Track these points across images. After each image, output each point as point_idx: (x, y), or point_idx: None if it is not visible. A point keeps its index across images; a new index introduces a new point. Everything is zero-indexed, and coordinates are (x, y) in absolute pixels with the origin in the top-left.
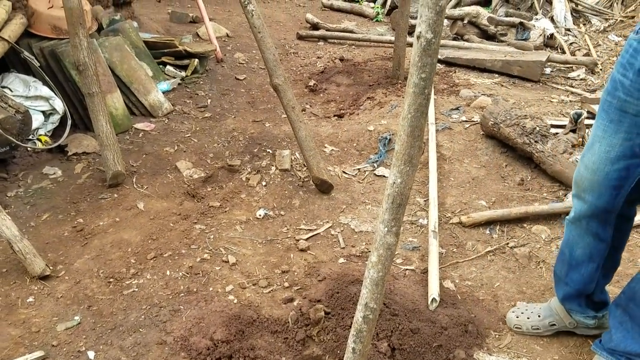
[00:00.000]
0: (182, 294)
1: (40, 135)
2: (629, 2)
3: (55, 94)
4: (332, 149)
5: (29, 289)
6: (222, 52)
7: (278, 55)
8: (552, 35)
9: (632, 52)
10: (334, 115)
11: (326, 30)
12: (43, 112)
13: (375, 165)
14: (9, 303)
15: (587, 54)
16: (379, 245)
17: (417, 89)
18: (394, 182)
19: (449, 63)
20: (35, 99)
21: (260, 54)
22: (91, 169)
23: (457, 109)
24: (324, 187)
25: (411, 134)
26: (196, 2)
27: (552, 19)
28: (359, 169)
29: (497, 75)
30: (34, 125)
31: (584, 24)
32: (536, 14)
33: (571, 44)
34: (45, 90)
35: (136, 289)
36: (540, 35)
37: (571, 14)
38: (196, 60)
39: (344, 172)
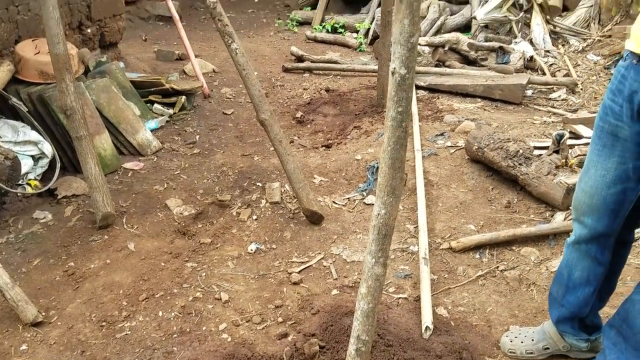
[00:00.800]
0: (175, 335)
1: (30, 179)
2: (605, 21)
3: (44, 137)
4: (321, 180)
5: (22, 336)
6: (209, 88)
7: (264, 90)
8: (531, 57)
9: (620, 78)
10: (322, 146)
11: (311, 62)
12: (32, 156)
13: (365, 193)
14: (2, 352)
15: (567, 75)
16: (368, 276)
17: (395, 122)
18: (379, 214)
19: (432, 89)
20: (24, 144)
21: (246, 90)
22: (81, 211)
23: (442, 134)
24: (314, 218)
25: (392, 165)
26: (182, 39)
27: (531, 42)
28: (348, 198)
29: (479, 100)
30: (24, 169)
31: (563, 45)
32: (515, 37)
33: (551, 65)
34: (34, 135)
35: (129, 332)
36: (520, 58)
37: (550, 35)
38: (183, 97)
39: (334, 202)
